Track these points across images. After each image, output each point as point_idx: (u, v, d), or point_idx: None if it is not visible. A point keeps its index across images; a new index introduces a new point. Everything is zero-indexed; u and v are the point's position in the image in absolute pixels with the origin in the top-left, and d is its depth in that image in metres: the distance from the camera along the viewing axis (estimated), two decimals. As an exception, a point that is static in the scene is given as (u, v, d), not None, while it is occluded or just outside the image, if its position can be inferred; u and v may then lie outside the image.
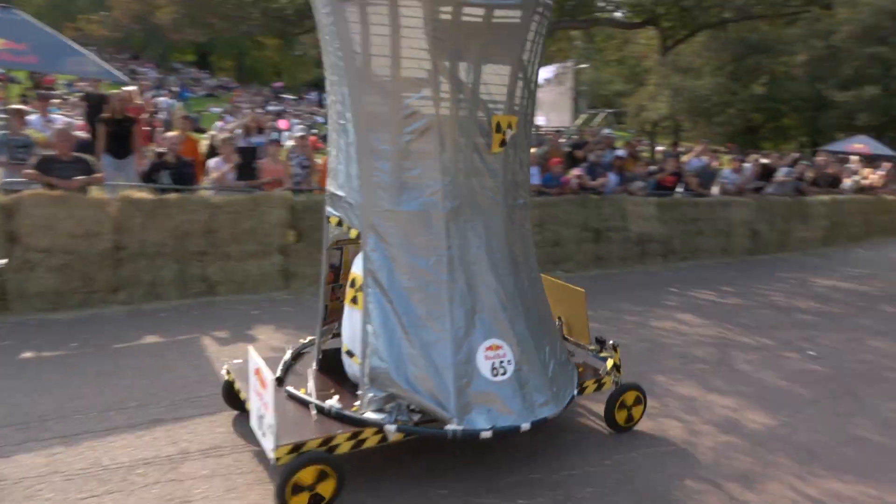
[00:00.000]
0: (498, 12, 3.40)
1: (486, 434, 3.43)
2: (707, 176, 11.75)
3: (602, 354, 4.58)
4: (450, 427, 3.39)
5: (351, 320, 3.88)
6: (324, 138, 24.65)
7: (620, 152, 10.87)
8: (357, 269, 3.81)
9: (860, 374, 5.76)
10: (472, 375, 3.50)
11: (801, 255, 12.30)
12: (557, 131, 13.27)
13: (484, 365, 3.54)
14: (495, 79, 3.57)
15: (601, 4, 13.54)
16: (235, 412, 4.23)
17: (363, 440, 3.36)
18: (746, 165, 12.76)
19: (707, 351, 6.14)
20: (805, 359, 6.09)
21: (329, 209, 3.99)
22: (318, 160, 8.88)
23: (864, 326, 7.35)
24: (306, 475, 3.12)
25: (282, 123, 25.04)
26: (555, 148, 11.17)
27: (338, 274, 4.40)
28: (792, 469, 3.99)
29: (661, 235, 10.42)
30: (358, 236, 3.66)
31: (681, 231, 10.75)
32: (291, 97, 43.40)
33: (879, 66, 26.69)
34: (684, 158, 11.87)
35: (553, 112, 26.49)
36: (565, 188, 9.57)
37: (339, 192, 3.80)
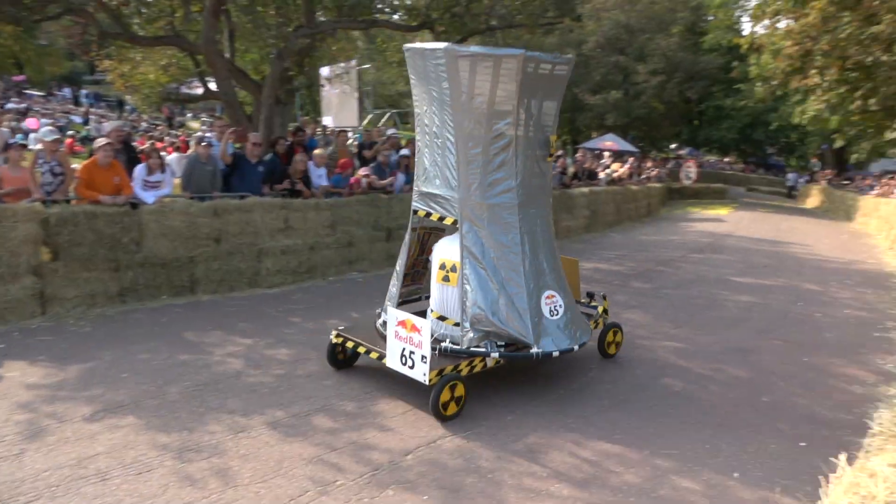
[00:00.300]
0: (557, 67, 5.06)
1: (556, 354, 5.01)
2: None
3: (593, 304, 6.29)
4: (533, 350, 4.93)
5: (442, 294, 5.24)
6: (83, 140, 21.96)
7: (406, 151, 11.18)
8: (444, 255, 5.20)
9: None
10: (540, 316, 5.04)
11: (568, 242, 13.73)
12: (343, 131, 13.24)
13: (545, 308, 5.10)
14: (549, 110, 5.23)
15: (379, 6, 13.78)
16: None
17: (474, 366, 4.87)
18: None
19: (494, 337, 6.57)
20: (576, 335, 6.81)
21: (416, 204, 5.43)
22: (76, 165, 7.86)
23: (620, 302, 8.42)
24: (448, 390, 4.56)
25: (31, 122, 21.81)
26: (343, 149, 11.16)
27: (422, 250, 5.87)
28: (570, 437, 4.45)
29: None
30: (454, 222, 5.08)
31: (466, 225, 11.38)
32: (38, 93, 38.00)
33: (620, 73, 30.82)
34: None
35: (340, 112, 26.48)
36: (354, 189, 9.61)
37: (436, 191, 5.19)
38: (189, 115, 42.38)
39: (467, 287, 4.98)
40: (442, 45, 4.81)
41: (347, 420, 4.49)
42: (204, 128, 31.20)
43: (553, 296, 5.19)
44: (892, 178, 22.41)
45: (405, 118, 40.58)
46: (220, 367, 5.35)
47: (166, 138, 22.39)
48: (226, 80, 10.97)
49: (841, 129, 21.54)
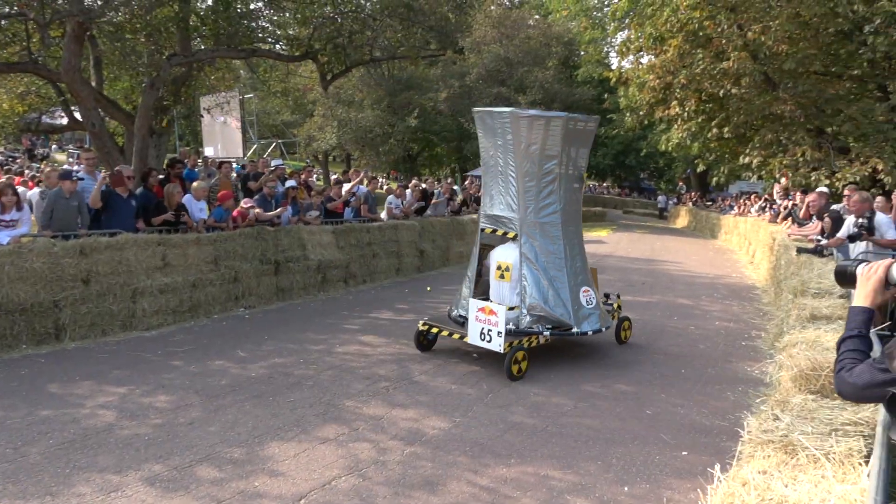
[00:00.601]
0: (588, 124, 6.87)
1: (591, 333, 6.79)
2: (372, 202, 12.56)
3: (609, 301, 7.92)
4: (574, 330, 6.63)
5: (499, 288, 6.81)
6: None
7: (292, 183, 10.94)
8: (500, 258, 6.79)
9: (513, 367, 6.70)
10: (579, 305, 6.77)
11: (460, 268, 13.90)
12: (227, 162, 12.78)
13: (583, 299, 6.84)
14: (582, 154, 6.95)
15: (260, 35, 13.53)
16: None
17: (532, 341, 6.50)
18: (408, 191, 13.99)
19: (389, 368, 6.49)
20: (470, 361, 6.86)
21: (484, 223, 7.08)
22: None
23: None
24: (518, 356, 6.21)
25: None
26: (226, 180, 10.75)
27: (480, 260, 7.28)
28: (468, 465, 4.42)
29: (339, 261, 10.77)
30: (514, 236, 6.74)
31: (358, 255, 11.26)
32: None
33: (503, 103, 31.99)
34: (346, 187, 12.51)
35: (223, 143, 25.61)
36: (238, 222, 9.25)
37: (500, 213, 6.87)
38: (54, 146, 39.38)
39: (525, 283, 6.64)
40: (507, 109, 6.66)
41: (234, 468, 4.22)
42: (71, 160, 29.03)
43: (588, 290, 6.97)
44: (748, 199, 24.66)
45: (291, 148, 39.90)
46: (89, 421, 4.89)
47: (27, 172, 20.63)
48: (92, 110, 10.27)
49: (701, 155, 23.46)
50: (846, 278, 2.27)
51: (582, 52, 37.14)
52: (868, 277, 2.15)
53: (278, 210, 9.84)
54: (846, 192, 9.14)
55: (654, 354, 7.47)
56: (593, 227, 26.64)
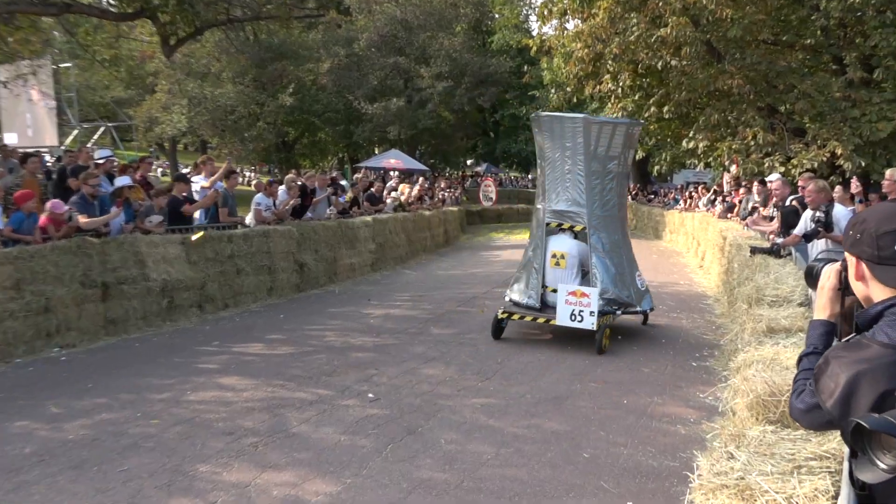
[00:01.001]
0: (638, 128, 10.39)
1: (647, 310, 10.06)
2: (232, 202, 12.17)
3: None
4: (636, 309, 9.67)
5: (554, 274, 9.29)
6: None
7: (125, 180, 10.44)
8: (555, 248, 9.34)
9: (418, 409, 6.66)
10: (637, 287, 9.60)
11: (352, 285, 13.80)
12: (37, 153, 12.05)
13: (638, 282, 9.73)
14: (630, 154, 9.94)
15: (79, -14, 12.87)
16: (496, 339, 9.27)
17: (609, 319, 9.11)
18: (281, 188, 13.70)
19: (258, 419, 6.27)
20: (365, 404, 6.76)
21: (549, 218, 9.52)
22: None
23: (417, 354, 8.58)
24: (606, 331, 8.99)
25: None
26: (31, 178, 10.13)
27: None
28: (361, 538, 4.31)
29: (191, 281, 10.38)
30: (583, 228, 9.29)
31: (216, 273, 10.89)
32: None
33: (401, 77, 32.12)
34: (204, 184, 12.08)
35: (30, 127, 24.21)
36: (50, 232, 8.73)
37: (566, 209, 9.38)
38: None
39: (595, 271, 9.17)
40: (580, 115, 9.53)
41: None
42: None
43: (641, 275, 9.87)
44: (694, 190, 25.93)
45: (126, 134, 38.23)
46: None
47: None
48: None
49: (640, 139, 24.46)
50: (814, 280, 2.31)
51: (496, 16, 37.92)
52: (822, 286, 2.20)
53: (107, 216, 9.37)
54: (801, 181, 9.74)
55: (590, 383, 7.64)
56: (517, 229, 27.12)
